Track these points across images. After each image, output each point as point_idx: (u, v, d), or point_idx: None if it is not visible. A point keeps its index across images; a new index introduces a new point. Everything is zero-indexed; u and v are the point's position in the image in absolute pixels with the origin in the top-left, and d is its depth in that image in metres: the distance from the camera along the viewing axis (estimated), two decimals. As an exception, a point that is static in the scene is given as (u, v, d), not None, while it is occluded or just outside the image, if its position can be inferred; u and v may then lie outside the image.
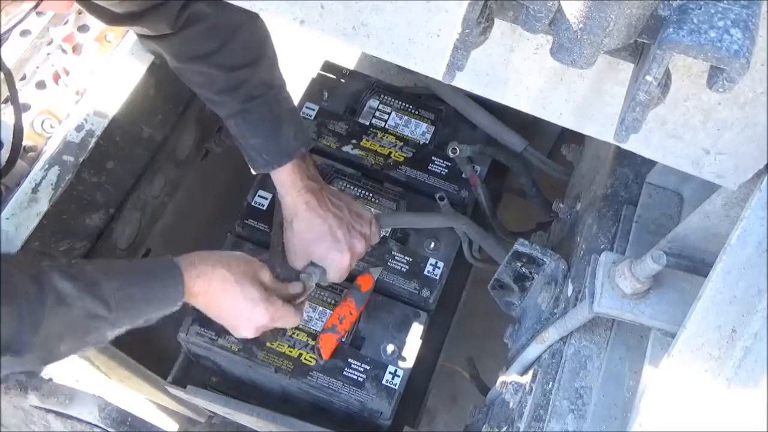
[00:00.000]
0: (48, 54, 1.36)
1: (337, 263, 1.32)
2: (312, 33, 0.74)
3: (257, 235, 1.52)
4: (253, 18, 1.25)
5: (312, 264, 1.34)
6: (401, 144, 1.63)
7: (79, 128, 1.30)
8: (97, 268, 1.03)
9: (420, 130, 1.65)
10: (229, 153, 1.73)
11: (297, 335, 1.42)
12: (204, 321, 1.38)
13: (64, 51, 1.36)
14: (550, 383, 0.98)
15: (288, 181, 1.31)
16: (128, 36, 1.38)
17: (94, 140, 1.31)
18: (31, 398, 1.85)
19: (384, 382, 1.38)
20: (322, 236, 1.31)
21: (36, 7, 0.84)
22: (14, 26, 0.87)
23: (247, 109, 1.27)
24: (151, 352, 1.56)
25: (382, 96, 1.69)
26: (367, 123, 1.65)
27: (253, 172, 1.36)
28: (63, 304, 0.94)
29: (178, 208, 1.77)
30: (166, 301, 1.06)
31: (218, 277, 1.12)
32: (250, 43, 1.26)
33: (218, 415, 1.82)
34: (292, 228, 1.34)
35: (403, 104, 1.68)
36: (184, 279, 1.07)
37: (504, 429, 1.12)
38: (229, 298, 1.14)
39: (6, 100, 1.28)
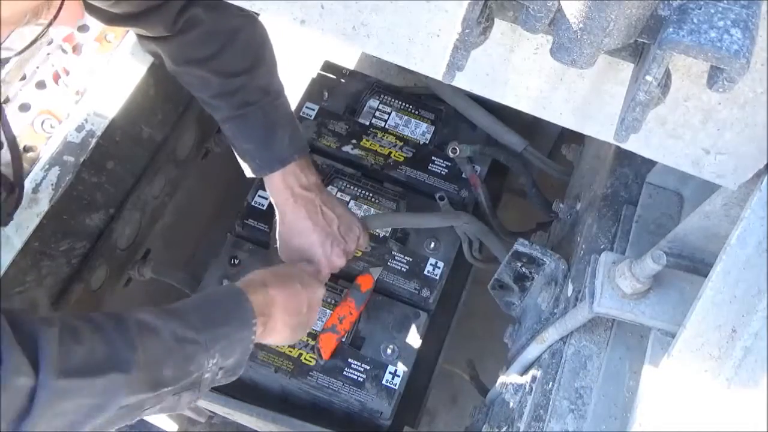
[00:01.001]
0: (48, 54, 1.36)
1: (308, 277, 1.33)
2: (312, 33, 0.74)
3: (257, 235, 1.52)
4: (252, 23, 1.25)
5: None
6: (401, 144, 1.63)
7: (79, 128, 1.30)
8: (164, 306, 1.02)
9: (420, 130, 1.65)
10: (229, 153, 1.73)
11: (297, 335, 1.42)
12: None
13: (64, 51, 1.36)
14: (550, 383, 0.98)
15: (280, 187, 1.32)
16: (128, 36, 1.38)
17: (94, 140, 1.31)
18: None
19: (384, 382, 1.38)
20: (306, 247, 1.35)
21: (49, 26, 0.84)
22: (27, 47, 0.87)
23: (242, 114, 1.27)
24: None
25: (382, 96, 1.69)
26: (367, 123, 1.65)
27: (247, 176, 1.36)
28: (150, 330, 0.93)
29: (178, 208, 1.77)
30: (241, 318, 1.05)
31: (269, 276, 1.16)
32: (248, 49, 1.26)
33: (218, 415, 1.82)
34: (280, 232, 1.37)
35: (403, 104, 1.68)
36: (247, 294, 1.08)
37: (504, 429, 1.12)
38: (292, 292, 1.17)
39: (6, 101, 1.28)
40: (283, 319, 1.14)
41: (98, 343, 0.87)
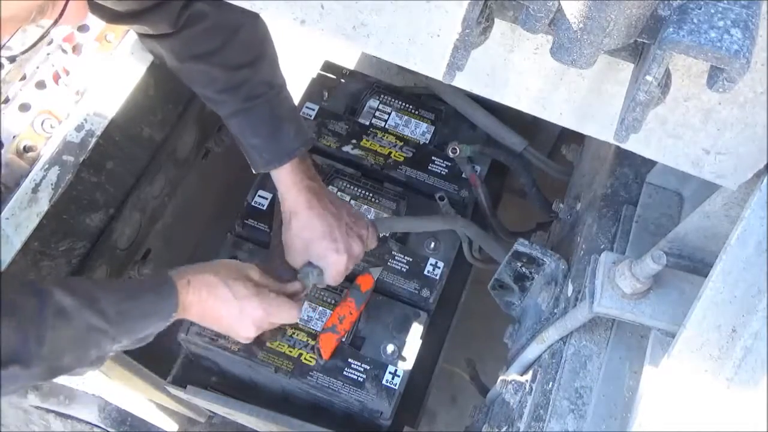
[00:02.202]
0: (48, 54, 1.36)
1: (334, 264, 1.31)
2: (312, 33, 0.74)
3: (257, 235, 1.52)
4: (254, 17, 1.25)
5: (310, 263, 1.33)
6: (401, 144, 1.63)
7: (79, 128, 1.30)
8: (95, 284, 1.05)
9: (420, 130, 1.65)
10: (229, 153, 1.73)
11: (297, 335, 1.42)
12: (204, 321, 1.38)
13: (64, 51, 1.36)
14: (550, 383, 0.98)
15: (288, 180, 1.31)
16: (128, 36, 1.38)
17: (94, 140, 1.31)
18: (31, 398, 1.85)
19: (384, 382, 1.38)
20: (321, 236, 1.31)
21: (54, 24, 0.84)
22: (35, 44, 0.87)
23: (248, 108, 1.27)
24: (151, 352, 1.56)
25: (382, 96, 1.69)
26: (367, 123, 1.65)
27: (254, 171, 1.36)
28: (64, 317, 0.95)
29: (178, 208, 1.77)
30: (161, 314, 1.07)
31: (205, 283, 1.14)
32: (252, 42, 1.26)
33: (218, 415, 1.82)
34: (290, 226, 1.34)
35: (403, 104, 1.68)
36: (177, 290, 1.09)
37: (504, 429, 1.12)
38: (219, 300, 1.15)
39: (6, 101, 1.28)
40: (199, 318, 1.16)
41: (9, 332, 0.89)
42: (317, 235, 1.31)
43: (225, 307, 1.15)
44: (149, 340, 1.09)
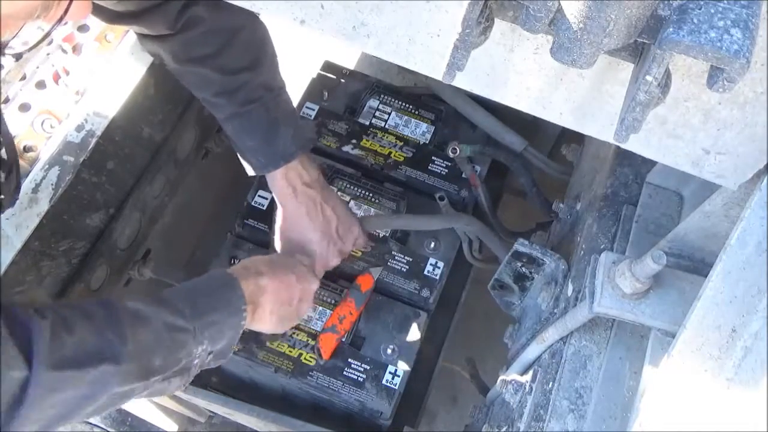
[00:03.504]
0: (48, 54, 1.36)
1: (304, 269, 1.34)
2: (312, 33, 0.74)
3: (257, 235, 1.52)
4: (253, 21, 1.25)
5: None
6: (401, 144, 1.63)
7: (79, 128, 1.30)
8: (152, 295, 1.04)
9: (420, 130, 1.65)
10: (229, 153, 1.73)
11: (297, 335, 1.42)
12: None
13: (64, 51, 1.36)
14: (550, 383, 0.98)
15: (282, 185, 1.32)
16: (128, 36, 1.38)
17: (94, 140, 1.31)
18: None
19: (384, 382, 1.38)
20: (303, 244, 1.37)
21: (60, 21, 0.84)
22: (39, 41, 0.87)
23: (244, 112, 1.27)
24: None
25: (382, 96, 1.69)
26: (367, 123, 1.65)
27: (248, 173, 1.36)
28: (140, 319, 0.94)
29: (178, 208, 1.77)
30: (231, 304, 1.08)
31: (259, 262, 1.17)
32: (250, 46, 1.26)
33: (218, 415, 1.82)
34: (280, 226, 1.38)
35: (403, 104, 1.68)
36: (239, 281, 1.10)
37: (504, 429, 1.12)
38: (285, 281, 1.18)
39: (6, 101, 1.28)
40: (272, 309, 1.16)
41: (89, 333, 0.89)
42: (298, 242, 1.37)
43: (294, 289, 1.21)
44: (229, 353, 1.09)
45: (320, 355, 1.39)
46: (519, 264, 1.21)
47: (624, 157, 1.17)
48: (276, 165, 1.30)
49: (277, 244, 1.40)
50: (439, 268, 1.49)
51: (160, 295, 1.03)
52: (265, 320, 1.16)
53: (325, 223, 1.35)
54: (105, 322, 0.91)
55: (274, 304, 1.16)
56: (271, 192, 1.53)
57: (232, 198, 1.71)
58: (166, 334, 0.97)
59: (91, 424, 1.88)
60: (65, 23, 0.86)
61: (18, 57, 1.01)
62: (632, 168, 1.16)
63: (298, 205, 1.33)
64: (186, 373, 1.02)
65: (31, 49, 0.87)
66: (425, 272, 1.49)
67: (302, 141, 1.33)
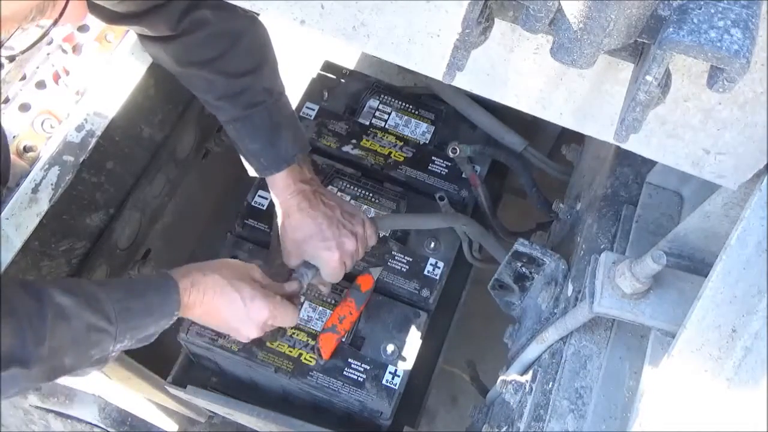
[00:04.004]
0: (48, 54, 1.36)
1: (326, 261, 1.33)
2: (312, 33, 0.74)
3: (257, 235, 1.52)
4: (255, 24, 1.26)
5: (305, 263, 1.35)
6: (401, 144, 1.63)
7: (79, 128, 1.30)
8: (95, 283, 1.04)
9: (420, 130, 1.65)
10: (229, 153, 1.73)
11: (297, 335, 1.42)
12: (204, 321, 1.38)
13: (64, 51, 1.36)
14: (550, 383, 0.98)
15: (281, 184, 1.32)
16: (128, 36, 1.38)
17: (94, 140, 1.31)
18: (31, 398, 1.85)
19: (384, 382, 1.38)
20: (312, 235, 1.33)
21: (55, 24, 0.84)
22: (34, 44, 0.87)
23: (247, 115, 1.27)
24: (151, 352, 1.56)
25: (382, 96, 1.69)
26: (367, 123, 1.65)
27: (250, 174, 1.36)
28: (64, 318, 0.95)
29: (178, 208, 1.77)
30: (163, 313, 1.07)
31: (211, 283, 1.14)
32: (253, 49, 1.26)
33: (218, 415, 1.82)
34: (284, 228, 1.35)
35: (403, 104, 1.68)
36: (179, 288, 1.09)
37: (504, 429, 1.12)
38: (226, 300, 1.15)
39: (6, 101, 1.28)
40: (203, 318, 1.16)
41: (8, 333, 0.89)
42: (308, 235, 1.33)
43: (231, 308, 1.16)
44: (152, 339, 1.09)
45: (320, 355, 1.39)
46: (519, 264, 1.21)
47: (624, 157, 1.17)
48: (278, 168, 1.31)
49: (285, 249, 1.37)
50: (439, 268, 1.49)
51: (94, 289, 1.02)
52: (193, 317, 1.16)
53: (328, 209, 1.34)
54: (26, 321, 0.91)
55: (206, 316, 1.16)
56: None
57: (232, 198, 1.71)
58: (84, 335, 0.97)
59: (91, 424, 1.88)
60: (62, 25, 0.85)
61: (11, 59, 1.01)
62: (632, 168, 1.16)
63: (299, 200, 1.32)
64: (101, 363, 1.03)
65: (24, 51, 0.87)
66: (425, 272, 1.49)
67: (302, 143, 1.34)
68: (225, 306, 1.15)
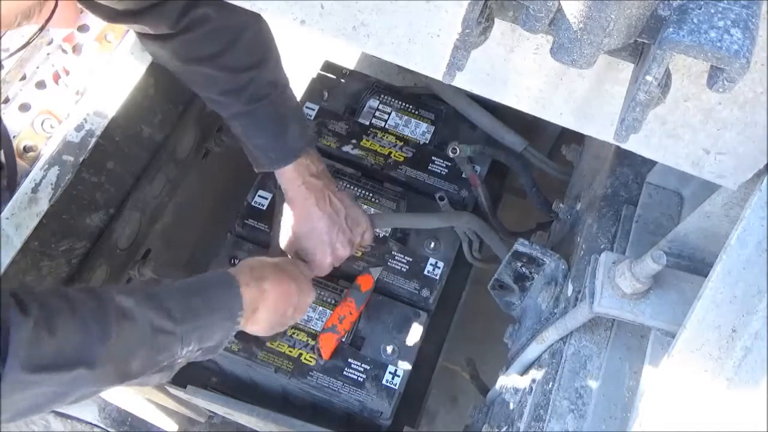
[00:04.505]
0: (48, 54, 1.35)
1: (317, 261, 1.36)
2: (312, 33, 0.74)
3: (257, 235, 1.52)
4: (257, 19, 1.25)
5: (297, 254, 1.38)
6: (401, 144, 1.63)
7: (79, 128, 1.30)
8: (151, 284, 1.03)
9: (420, 130, 1.65)
10: (229, 153, 1.73)
11: (297, 335, 1.42)
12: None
13: (64, 51, 1.36)
14: (550, 383, 0.98)
15: (292, 177, 1.32)
16: (128, 36, 1.38)
17: (94, 140, 1.31)
18: (31, 398, 1.84)
19: (384, 382, 1.38)
20: (310, 233, 1.34)
21: (42, 29, 0.84)
22: (20, 49, 0.87)
23: (253, 110, 1.27)
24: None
25: (382, 96, 1.69)
26: (367, 123, 1.65)
27: (257, 170, 1.36)
28: (127, 318, 0.93)
29: (178, 208, 1.77)
30: (228, 309, 1.05)
31: (269, 269, 1.16)
32: (256, 44, 1.26)
33: (218, 415, 1.82)
34: (287, 215, 1.37)
35: (403, 104, 1.68)
36: (240, 284, 1.08)
37: (504, 429, 1.12)
38: (285, 291, 1.17)
39: (6, 101, 1.28)
40: (267, 316, 1.15)
41: (72, 332, 0.87)
42: (307, 231, 1.35)
43: (291, 296, 1.19)
44: (219, 350, 1.06)
45: (320, 355, 1.39)
46: (519, 264, 1.21)
47: (624, 157, 1.17)
48: (287, 161, 1.31)
49: (283, 239, 1.39)
50: (439, 268, 1.49)
51: (156, 289, 1.00)
52: (258, 325, 1.14)
53: (333, 211, 1.35)
54: (91, 318, 0.89)
55: (271, 312, 1.15)
56: (271, 192, 1.54)
57: (232, 198, 1.71)
58: (150, 336, 0.95)
59: (91, 424, 1.88)
60: (47, 30, 0.85)
61: None
62: (632, 168, 1.16)
63: (307, 195, 1.32)
64: (168, 370, 1.01)
65: (10, 56, 0.87)
66: (425, 272, 1.49)
67: (309, 136, 1.35)
68: (286, 296, 1.17)
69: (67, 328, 0.87)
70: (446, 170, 1.59)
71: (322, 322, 1.42)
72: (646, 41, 0.58)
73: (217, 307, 1.04)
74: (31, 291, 0.88)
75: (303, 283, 1.23)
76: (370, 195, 1.56)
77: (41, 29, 0.83)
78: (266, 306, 1.13)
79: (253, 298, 1.10)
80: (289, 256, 1.38)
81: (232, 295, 1.07)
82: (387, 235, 1.52)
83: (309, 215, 1.33)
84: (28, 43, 0.85)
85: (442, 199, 1.51)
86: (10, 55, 0.86)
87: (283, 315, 1.18)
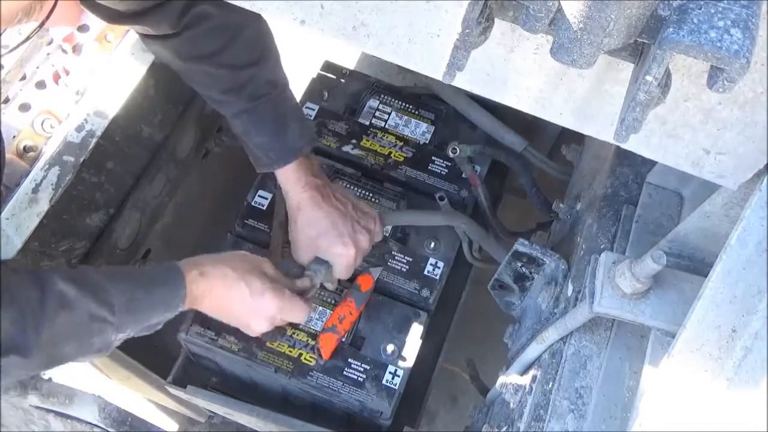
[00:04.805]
0: (48, 54, 1.36)
1: (341, 257, 1.33)
2: (312, 33, 0.74)
3: (257, 235, 1.52)
4: (257, 17, 1.26)
5: (317, 259, 1.35)
6: (401, 144, 1.63)
7: (79, 128, 1.30)
8: (101, 272, 1.03)
9: (420, 130, 1.65)
10: (229, 153, 1.73)
11: (297, 335, 1.42)
12: (204, 321, 1.38)
13: (64, 51, 1.36)
14: (550, 383, 0.98)
15: (292, 178, 1.32)
16: (128, 36, 1.38)
17: (94, 140, 1.31)
18: (31, 398, 1.85)
19: (384, 382, 1.38)
20: (326, 231, 1.32)
21: (42, 25, 0.84)
22: (20, 44, 0.87)
23: (253, 108, 1.27)
24: (151, 352, 1.56)
25: (382, 96, 1.69)
26: (367, 123, 1.65)
27: (258, 171, 1.36)
28: (65, 307, 0.94)
29: (178, 208, 1.77)
30: (169, 304, 1.07)
31: (220, 275, 1.13)
32: (256, 41, 1.26)
33: (218, 415, 1.82)
34: (296, 224, 1.35)
35: (403, 104, 1.68)
36: (186, 281, 1.08)
37: (504, 429, 1.12)
38: (235, 293, 1.15)
39: (6, 101, 1.28)
40: (212, 312, 1.16)
41: (7, 320, 0.89)
42: (322, 229, 1.32)
43: (239, 299, 1.16)
44: (156, 329, 1.08)
45: (320, 355, 1.39)
46: (519, 264, 1.21)
47: (624, 157, 1.17)
48: (287, 160, 1.30)
49: (296, 247, 1.36)
50: (439, 268, 1.49)
51: (98, 278, 1.01)
52: (203, 310, 1.15)
53: (340, 204, 1.34)
54: (28, 307, 0.91)
55: (214, 310, 1.15)
56: (271, 192, 1.54)
57: (232, 198, 1.71)
58: (86, 324, 0.97)
59: (91, 424, 1.88)
60: (47, 30, 0.86)
61: None
62: (632, 168, 1.16)
63: (312, 194, 1.32)
64: (104, 350, 1.02)
65: (10, 51, 0.87)
66: (425, 272, 1.49)
67: (309, 135, 1.34)
68: (234, 299, 1.15)
69: (6, 318, 0.89)
70: (446, 170, 1.59)
71: (322, 322, 1.42)
72: (646, 41, 0.58)
73: (158, 304, 1.06)
74: None
75: (269, 295, 1.18)
76: (370, 195, 1.56)
77: (41, 26, 0.83)
78: (207, 304, 1.13)
79: (196, 295, 1.10)
80: (307, 267, 1.35)
81: (175, 291, 1.07)
82: (387, 235, 1.52)
83: (318, 213, 1.32)
84: (27, 39, 0.85)
85: (442, 199, 1.51)
86: (9, 51, 0.87)
87: (228, 315, 1.18)
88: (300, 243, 1.35)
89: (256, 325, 1.20)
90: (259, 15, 1.26)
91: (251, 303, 1.16)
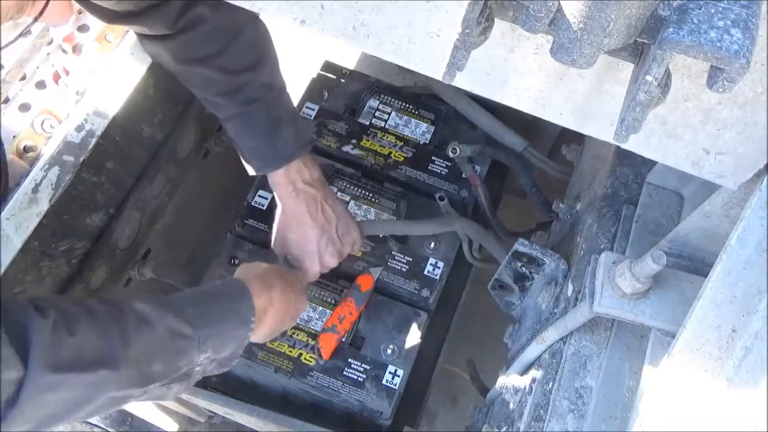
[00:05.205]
0: (48, 54, 1.36)
1: (305, 269, 1.36)
2: (312, 33, 0.74)
3: (257, 235, 1.52)
4: (255, 20, 1.25)
5: (286, 259, 1.38)
6: (401, 144, 1.63)
7: (79, 128, 1.30)
8: (164, 296, 1.03)
9: (420, 130, 1.65)
10: (229, 153, 1.73)
11: (297, 335, 1.42)
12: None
13: (64, 51, 1.36)
14: (550, 383, 0.98)
15: (283, 182, 1.32)
16: (128, 36, 1.38)
17: (94, 140, 1.31)
18: (31, 398, 1.84)
19: (384, 382, 1.38)
20: (300, 242, 1.35)
21: (35, 21, 0.84)
22: (14, 40, 0.88)
23: (246, 112, 1.27)
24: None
25: (382, 96, 1.69)
26: (367, 123, 1.65)
27: (249, 173, 1.36)
28: (145, 323, 0.93)
29: (178, 208, 1.77)
30: (242, 317, 1.06)
31: (275, 278, 1.16)
32: (252, 46, 1.26)
33: (218, 415, 1.82)
34: (279, 220, 1.37)
35: (403, 104, 1.68)
36: (251, 292, 1.09)
37: (504, 429, 1.12)
38: (287, 297, 1.17)
39: (6, 101, 1.28)
40: (271, 324, 1.15)
41: (92, 335, 0.87)
42: (297, 238, 1.36)
43: (294, 306, 1.20)
44: (234, 360, 1.07)
45: (320, 355, 1.39)
46: (519, 264, 1.21)
47: (624, 157, 1.17)
48: (277, 165, 1.30)
49: (274, 244, 1.39)
50: (439, 268, 1.49)
51: (169, 297, 1.02)
52: (262, 332, 1.15)
53: (325, 221, 1.35)
54: (110, 323, 0.90)
55: (275, 321, 1.15)
56: (271, 192, 1.53)
57: (232, 198, 1.71)
58: (169, 340, 0.95)
59: (91, 424, 1.87)
60: (47, 30, 0.86)
61: None
62: (632, 168, 1.16)
63: (298, 203, 1.33)
64: (186, 380, 1.01)
65: (4, 47, 0.87)
66: (425, 272, 1.49)
67: (303, 141, 1.33)
68: (289, 302, 1.17)
69: (87, 330, 0.87)
70: (446, 170, 1.59)
71: (322, 322, 1.42)
72: (646, 41, 0.58)
73: (230, 315, 1.05)
74: (48, 298, 0.89)
75: (300, 293, 1.24)
76: (370, 195, 1.56)
77: (35, 21, 0.83)
78: (272, 314, 1.14)
79: (263, 306, 1.11)
80: (280, 259, 1.38)
81: (244, 303, 1.07)
82: (387, 234, 1.52)
83: (300, 223, 1.34)
84: (21, 35, 0.86)
85: (442, 199, 1.51)
86: (4, 47, 0.87)
87: (282, 323, 1.19)
88: (275, 240, 1.39)
89: (289, 325, 1.25)
90: (258, 18, 1.27)
91: (296, 307, 1.21)
